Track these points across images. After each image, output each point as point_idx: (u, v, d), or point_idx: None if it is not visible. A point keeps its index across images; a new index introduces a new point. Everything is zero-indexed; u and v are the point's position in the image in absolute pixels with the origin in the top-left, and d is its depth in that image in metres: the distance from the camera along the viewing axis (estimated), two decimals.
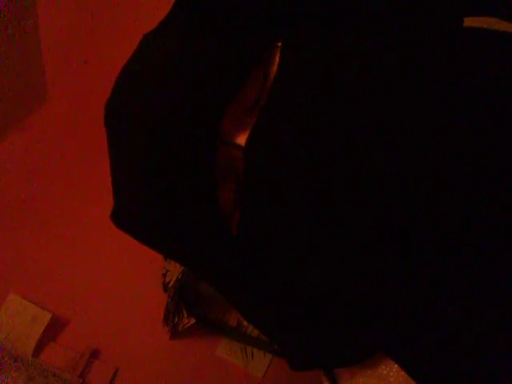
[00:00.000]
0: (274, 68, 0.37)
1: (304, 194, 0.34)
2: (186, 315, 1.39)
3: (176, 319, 1.40)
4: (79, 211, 1.55)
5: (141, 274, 1.49)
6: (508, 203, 0.33)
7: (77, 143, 1.63)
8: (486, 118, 0.34)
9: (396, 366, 0.40)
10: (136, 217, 0.41)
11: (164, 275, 1.40)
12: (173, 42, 0.38)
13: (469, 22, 0.42)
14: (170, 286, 1.36)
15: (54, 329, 1.48)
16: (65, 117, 1.72)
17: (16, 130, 1.70)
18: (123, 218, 0.42)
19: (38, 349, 1.42)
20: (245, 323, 1.48)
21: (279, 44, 0.37)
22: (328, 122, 0.34)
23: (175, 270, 1.37)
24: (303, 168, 0.34)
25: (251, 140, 0.35)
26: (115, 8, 1.60)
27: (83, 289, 1.52)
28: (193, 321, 1.40)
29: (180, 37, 0.38)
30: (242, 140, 0.36)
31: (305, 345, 0.43)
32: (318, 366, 0.43)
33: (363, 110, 0.34)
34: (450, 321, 0.38)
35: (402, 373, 0.39)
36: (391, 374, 0.40)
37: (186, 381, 1.50)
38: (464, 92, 0.34)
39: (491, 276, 0.36)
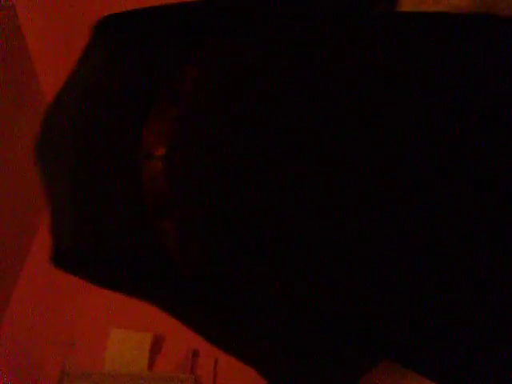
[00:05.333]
0: (186, 82, 0.37)
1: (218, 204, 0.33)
2: None
3: None
4: None
5: None
6: None
7: None
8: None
9: None
10: (73, 252, 0.38)
11: None
12: (92, 68, 0.38)
13: None
14: None
15: (157, 343, 1.76)
16: None
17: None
18: (62, 257, 0.40)
19: (150, 364, 1.73)
20: None
21: (189, 62, 0.38)
22: (242, 135, 0.34)
23: None
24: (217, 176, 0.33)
25: (169, 151, 0.35)
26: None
27: None
28: None
29: (98, 63, 0.37)
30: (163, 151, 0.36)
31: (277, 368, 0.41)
32: None
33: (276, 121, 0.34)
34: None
35: None
36: None
37: None
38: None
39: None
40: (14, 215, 1.62)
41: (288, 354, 0.38)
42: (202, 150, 0.33)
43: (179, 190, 0.33)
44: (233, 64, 0.35)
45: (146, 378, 1.69)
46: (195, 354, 1.80)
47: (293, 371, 0.38)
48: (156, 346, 1.77)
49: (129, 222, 0.34)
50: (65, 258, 0.39)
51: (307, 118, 0.33)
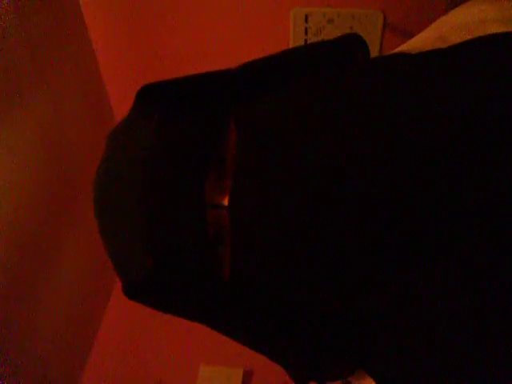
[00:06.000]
0: (233, 136, 0.43)
1: (281, 246, 0.40)
2: None
3: None
4: None
5: None
6: None
7: None
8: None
9: None
10: (147, 283, 0.44)
11: None
12: (144, 134, 0.43)
13: None
14: None
15: (247, 378, 1.73)
16: None
17: None
18: (136, 289, 0.45)
19: None
20: None
21: (231, 119, 0.44)
22: (284, 181, 0.40)
23: None
24: (277, 221, 0.40)
25: (232, 200, 0.41)
26: None
27: None
28: None
29: (151, 128, 0.43)
30: (224, 201, 0.43)
31: (298, 365, 0.50)
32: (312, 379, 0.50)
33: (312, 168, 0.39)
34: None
35: None
36: None
37: None
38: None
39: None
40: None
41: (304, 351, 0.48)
42: (256, 201, 0.40)
43: (240, 234, 0.41)
44: (267, 124, 0.42)
45: None
46: None
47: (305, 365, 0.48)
48: (246, 381, 1.73)
49: (193, 253, 0.42)
50: (137, 289, 0.45)
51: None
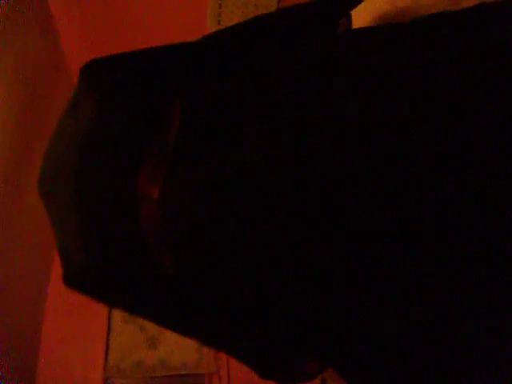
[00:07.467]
0: (173, 127, 0.40)
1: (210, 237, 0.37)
2: None
3: None
4: None
5: None
6: None
7: None
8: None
9: None
10: (81, 276, 0.42)
11: None
12: (85, 114, 0.40)
13: None
14: None
15: None
16: None
17: None
18: (72, 279, 0.44)
19: None
20: None
21: (177, 103, 0.40)
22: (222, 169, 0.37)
23: None
24: (207, 214, 0.37)
25: (162, 193, 0.38)
26: None
27: None
28: None
29: (92, 109, 0.40)
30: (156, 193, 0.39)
31: (254, 362, 0.46)
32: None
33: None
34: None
35: None
36: None
37: None
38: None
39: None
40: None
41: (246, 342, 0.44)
42: (187, 193, 0.37)
43: (171, 226, 0.38)
44: (212, 111, 0.39)
45: None
46: None
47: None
48: None
49: (129, 252, 0.39)
50: (73, 281, 0.44)
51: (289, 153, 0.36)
